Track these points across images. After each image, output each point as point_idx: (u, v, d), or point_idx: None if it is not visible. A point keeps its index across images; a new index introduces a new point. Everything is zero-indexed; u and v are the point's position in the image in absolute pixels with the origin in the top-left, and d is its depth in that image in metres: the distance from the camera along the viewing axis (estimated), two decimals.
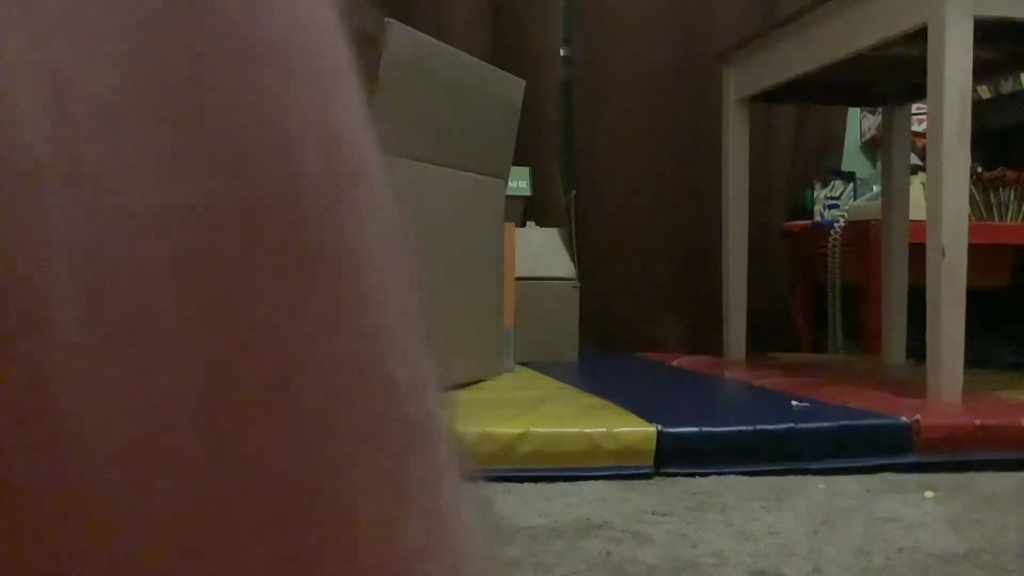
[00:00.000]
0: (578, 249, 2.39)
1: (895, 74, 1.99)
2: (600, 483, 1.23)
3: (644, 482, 1.24)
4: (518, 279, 2.07)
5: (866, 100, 2.42)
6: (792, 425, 1.36)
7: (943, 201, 1.53)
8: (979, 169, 2.50)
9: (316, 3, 0.16)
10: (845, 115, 2.82)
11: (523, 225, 2.37)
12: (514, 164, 2.00)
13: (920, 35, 1.58)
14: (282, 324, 0.14)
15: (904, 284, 2.20)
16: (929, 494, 1.20)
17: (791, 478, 1.28)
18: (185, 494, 0.13)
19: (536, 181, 2.44)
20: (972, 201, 1.80)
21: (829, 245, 2.46)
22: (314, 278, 0.15)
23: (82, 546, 0.12)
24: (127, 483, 0.12)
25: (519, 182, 2.34)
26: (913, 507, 1.13)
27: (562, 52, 2.59)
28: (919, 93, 1.99)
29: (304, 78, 0.15)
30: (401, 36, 1.52)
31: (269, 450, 0.14)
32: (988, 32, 1.60)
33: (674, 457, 1.30)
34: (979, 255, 1.71)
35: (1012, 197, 2.55)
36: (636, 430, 1.30)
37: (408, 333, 0.16)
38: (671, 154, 2.59)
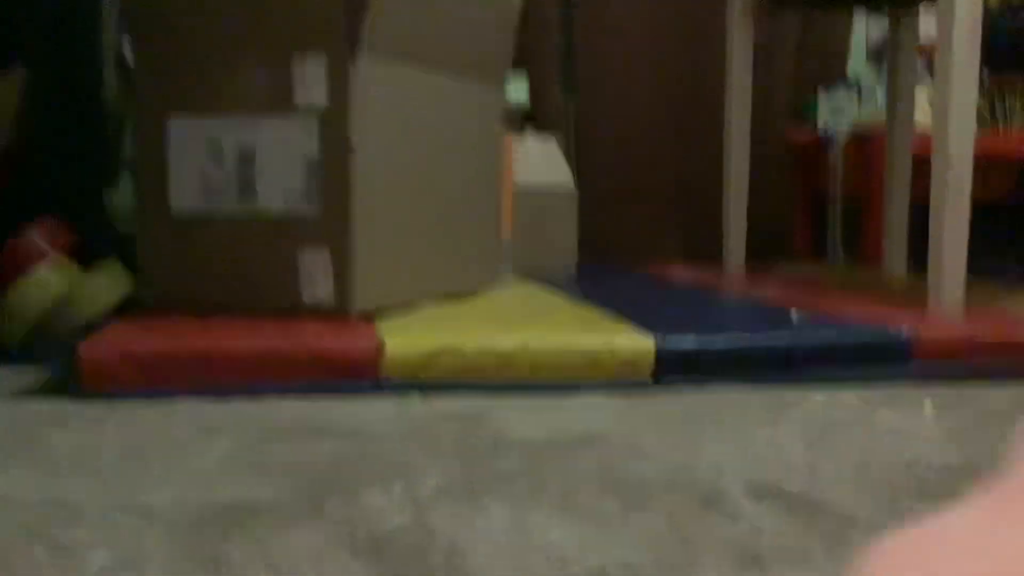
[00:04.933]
0: (577, 157, 2.36)
1: None
2: (598, 396, 1.23)
3: (642, 394, 1.24)
4: (515, 187, 2.04)
5: (872, 3, 2.36)
6: (791, 337, 1.35)
7: (950, 112, 1.50)
8: (986, 75, 2.45)
9: None
10: (851, 23, 2.75)
11: (521, 132, 2.33)
12: (512, 68, 1.95)
13: None
14: None
15: (907, 195, 2.17)
16: (928, 406, 1.20)
17: (790, 390, 1.27)
18: None
19: (534, 86, 2.39)
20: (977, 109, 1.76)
21: (831, 155, 2.42)
22: None
23: None
24: None
25: (517, 88, 2.29)
26: (912, 419, 1.13)
27: None
28: None
29: None
30: None
31: None
32: None
33: (673, 369, 1.29)
34: (985, 166, 1.68)
35: (1019, 105, 2.50)
36: (635, 342, 1.29)
37: None
38: (674, 58, 2.54)
